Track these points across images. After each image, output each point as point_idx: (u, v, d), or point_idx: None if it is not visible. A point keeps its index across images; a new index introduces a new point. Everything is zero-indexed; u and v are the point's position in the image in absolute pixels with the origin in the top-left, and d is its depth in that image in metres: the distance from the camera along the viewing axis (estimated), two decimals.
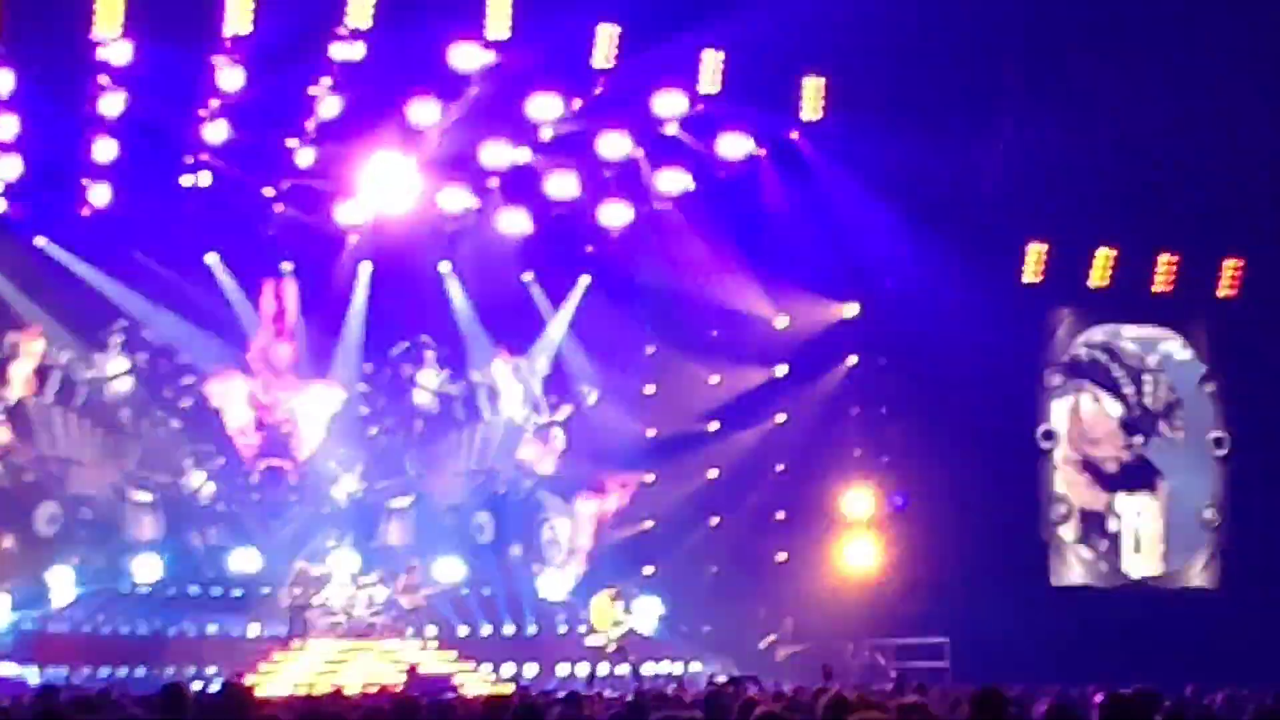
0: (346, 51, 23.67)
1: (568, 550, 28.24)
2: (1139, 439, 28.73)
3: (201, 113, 24.39)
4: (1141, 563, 28.73)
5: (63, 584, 25.15)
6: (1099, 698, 8.86)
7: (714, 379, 28.51)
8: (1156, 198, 26.37)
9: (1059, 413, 28.65)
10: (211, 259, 26.41)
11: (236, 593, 26.01)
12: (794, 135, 26.51)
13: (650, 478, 28.39)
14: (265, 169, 25.57)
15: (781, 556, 27.85)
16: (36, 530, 25.50)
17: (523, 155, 25.97)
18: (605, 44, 24.57)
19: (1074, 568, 28.51)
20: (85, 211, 25.08)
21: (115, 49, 22.95)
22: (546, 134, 25.73)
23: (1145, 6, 24.00)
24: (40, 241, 25.23)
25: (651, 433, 28.57)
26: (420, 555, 26.81)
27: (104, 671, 23.66)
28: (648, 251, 27.40)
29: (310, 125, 24.85)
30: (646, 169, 26.58)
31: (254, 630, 25.77)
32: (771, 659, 26.19)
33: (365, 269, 27.08)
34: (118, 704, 12.83)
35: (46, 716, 8.41)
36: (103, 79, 23.34)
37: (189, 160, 24.98)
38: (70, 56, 23.05)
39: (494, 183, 26.44)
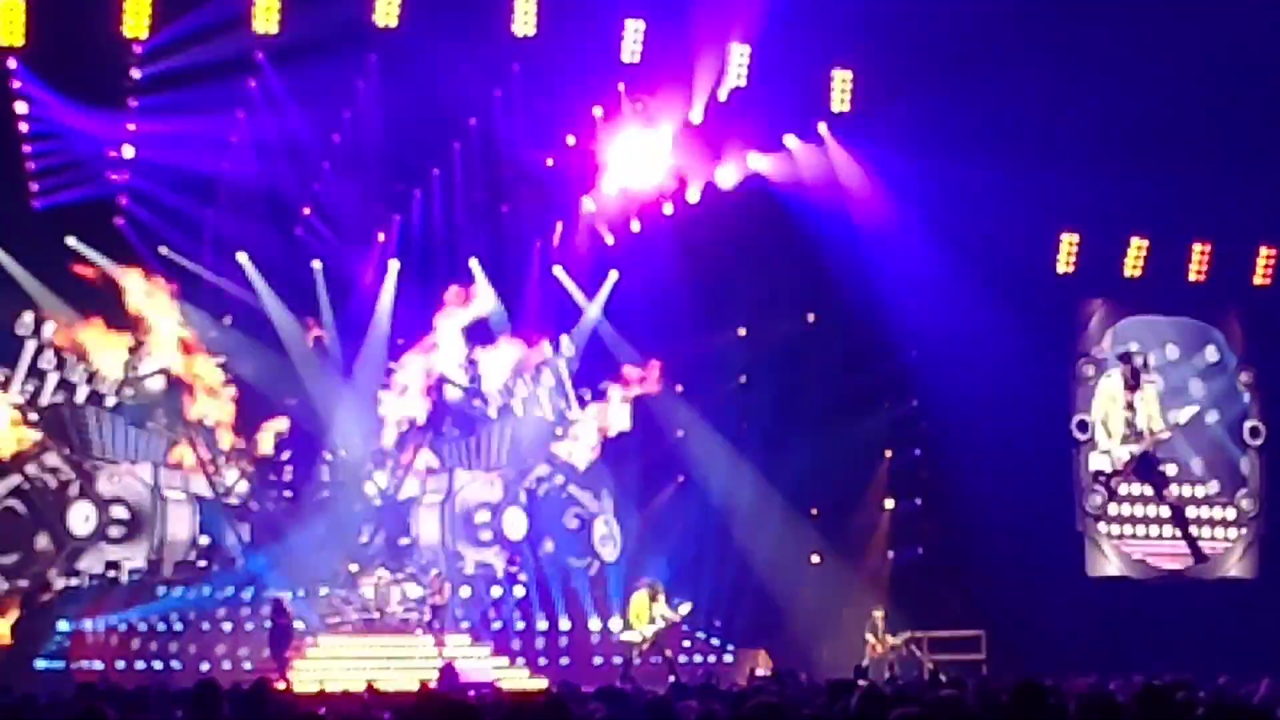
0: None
1: (610, 546, 28.19)
2: (1175, 427, 28.47)
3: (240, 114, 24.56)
4: (1177, 553, 28.53)
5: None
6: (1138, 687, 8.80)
7: (742, 379, 28.47)
8: (1190, 187, 26.20)
9: (1097, 400, 28.35)
10: (242, 257, 26.45)
11: (269, 591, 26.02)
12: (822, 128, 26.42)
13: (680, 477, 28.35)
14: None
15: (815, 559, 27.77)
16: (71, 530, 25.59)
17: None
18: (632, 38, 24.60)
19: (1110, 558, 28.34)
20: (118, 220, 25.25)
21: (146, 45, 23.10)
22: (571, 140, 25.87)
23: None
24: (71, 241, 25.29)
25: (680, 433, 28.47)
26: (450, 552, 26.90)
27: (139, 667, 23.72)
28: (677, 248, 27.37)
29: None
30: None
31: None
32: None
33: (394, 266, 27.09)
34: (154, 701, 12.87)
35: (87, 715, 8.41)
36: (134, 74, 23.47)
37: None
38: (102, 54, 23.15)
39: None
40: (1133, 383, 27.91)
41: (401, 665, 23.88)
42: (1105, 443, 28.10)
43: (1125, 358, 28.04)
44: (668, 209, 26.96)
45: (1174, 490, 28.34)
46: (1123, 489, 28.27)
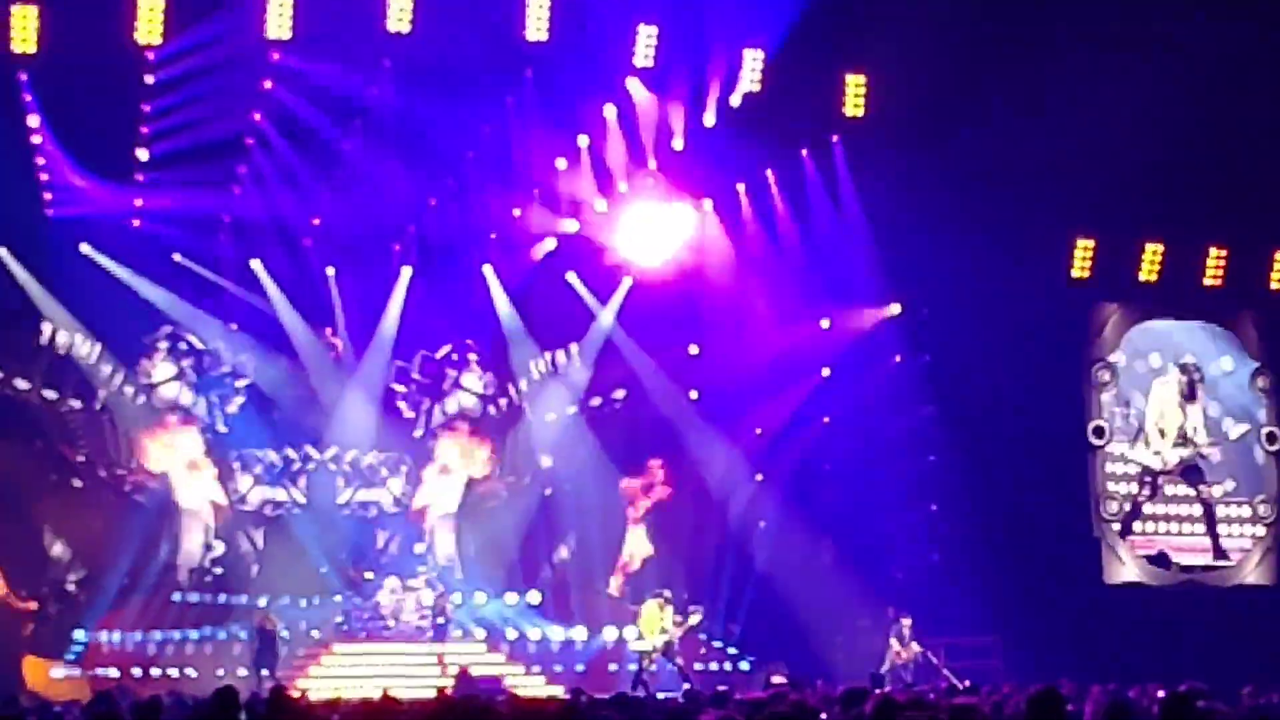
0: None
1: (620, 552, 28.16)
2: (1194, 434, 28.43)
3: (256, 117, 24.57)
4: (1195, 559, 28.44)
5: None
6: (1160, 694, 8.75)
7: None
8: (1206, 191, 26.10)
9: (1151, 402, 28.46)
10: (255, 264, 26.46)
11: (284, 599, 26.03)
12: (834, 138, 26.40)
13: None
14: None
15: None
16: (86, 537, 25.57)
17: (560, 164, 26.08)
18: (644, 43, 24.57)
19: (1127, 565, 28.25)
20: (136, 222, 25.28)
21: (159, 51, 23.13)
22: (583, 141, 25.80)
23: None
24: (86, 249, 25.34)
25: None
26: (463, 560, 26.96)
27: (155, 675, 23.74)
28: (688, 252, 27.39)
29: None
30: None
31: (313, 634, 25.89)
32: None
33: (406, 273, 27.09)
34: (170, 709, 12.86)
35: None
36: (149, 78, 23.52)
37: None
38: (115, 59, 23.18)
39: None
40: (1189, 394, 28.29)
41: (416, 673, 23.87)
42: (1158, 443, 28.30)
43: (1185, 369, 28.37)
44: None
45: (1204, 490, 28.48)
46: (1169, 489, 28.40)
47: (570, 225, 27.15)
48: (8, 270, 25.13)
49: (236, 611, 25.35)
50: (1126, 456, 28.45)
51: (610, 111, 25.76)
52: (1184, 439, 28.29)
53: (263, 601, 25.44)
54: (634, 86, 25.45)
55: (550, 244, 27.35)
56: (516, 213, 26.97)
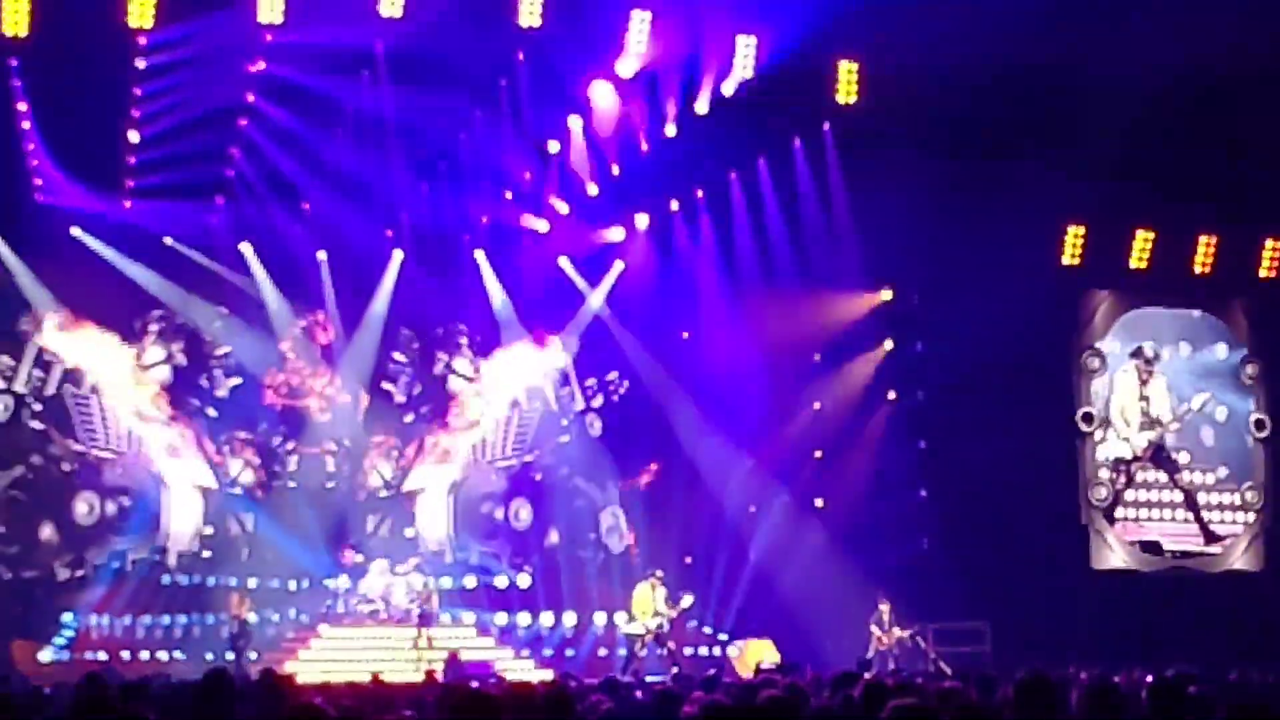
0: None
1: (615, 535, 28.18)
2: (1179, 418, 28.52)
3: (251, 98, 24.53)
4: (1183, 545, 28.53)
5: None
6: (1149, 679, 8.78)
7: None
8: (1196, 179, 26.13)
9: (1115, 393, 28.56)
10: (245, 248, 26.43)
11: (274, 582, 26.05)
12: (825, 126, 26.37)
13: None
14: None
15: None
16: (75, 521, 25.60)
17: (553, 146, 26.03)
18: (638, 29, 24.51)
19: (1115, 550, 28.34)
20: (127, 204, 25.22)
21: (151, 35, 23.04)
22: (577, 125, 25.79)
23: None
24: (76, 232, 25.29)
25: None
26: (454, 544, 27.00)
27: (144, 658, 23.75)
28: (679, 237, 27.38)
29: None
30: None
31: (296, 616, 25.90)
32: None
33: (397, 256, 27.07)
34: (159, 691, 12.87)
35: (93, 704, 8.40)
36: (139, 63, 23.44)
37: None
38: (105, 44, 23.10)
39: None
40: (1145, 375, 28.43)
41: (406, 657, 23.90)
42: (1124, 430, 28.50)
43: (1137, 353, 28.45)
44: None
45: (1186, 476, 28.60)
46: (1140, 475, 28.50)
47: (561, 207, 27.16)
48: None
49: (226, 595, 25.32)
50: (1105, 444, 28.60)
51: (603, 93, 25.67)
52: (1150, 421, 28.45)
53: (253, 583, 25.47)
54: (624, 69, 25.35)
55: (542, 226, 27.36)
56: (508, 195, 26.93)
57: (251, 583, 25.53)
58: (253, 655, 23.46)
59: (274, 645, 24.96)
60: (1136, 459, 28.45)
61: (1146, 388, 28.47)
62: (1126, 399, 28.55)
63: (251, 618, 24.26)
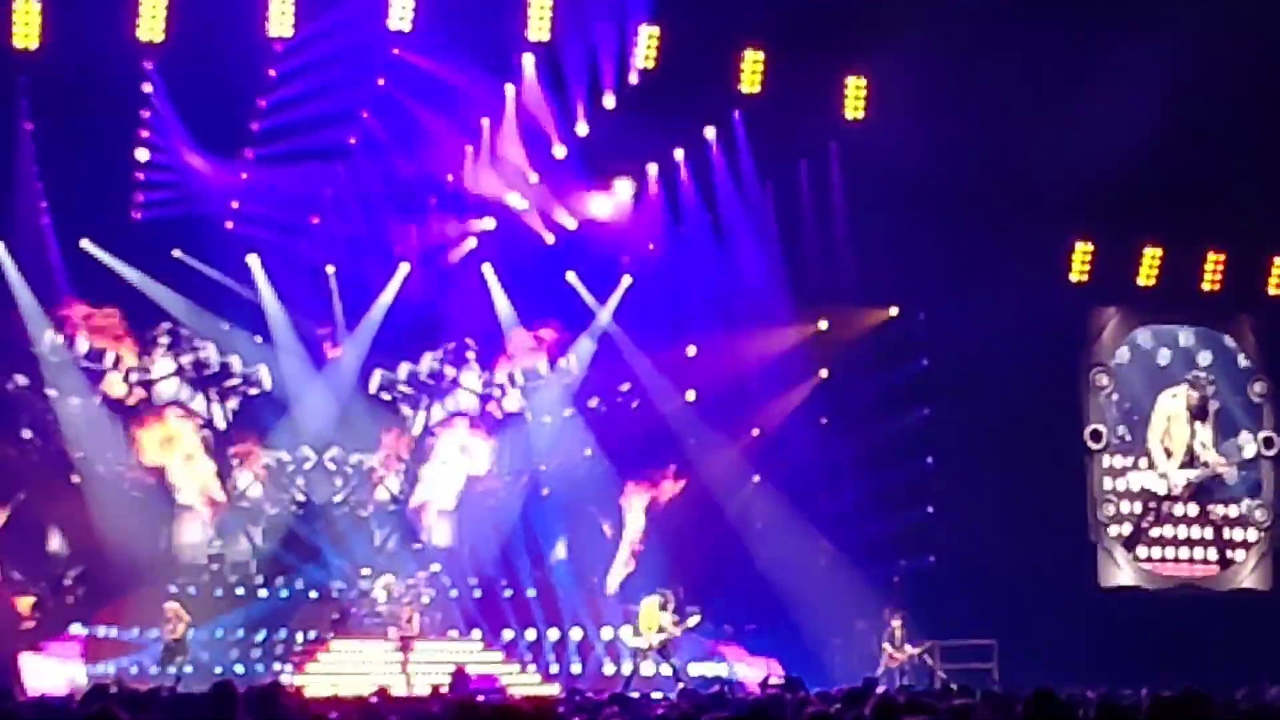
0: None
1: (616, 548, 28.17)
2: (1202, 451, 28.39)
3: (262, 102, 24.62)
4: (1192, 565, 28.44)
5: None
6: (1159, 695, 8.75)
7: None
8: (1204, 195, 26.10)
9: (1156, 416, 28.22)
10: (252, 260, 26.48)
11: (283, 594, 26.07)
12: (832, 145, 26.42)
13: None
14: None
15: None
16: (85, 531, 25.59)
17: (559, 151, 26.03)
18: (645, 44, 24.53)
19: (1123, 569, 28.27)
20: (136, 215, 25.30)
21: (159, 50, 23.15)
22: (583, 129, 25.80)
23: None
24: (86, 244, 25.36)
25: (693, 441, 28.41)
26: (461, 558, 26.99)
27: (152, 670, 23.75)
28: (683, 252, 27.39)
29: None
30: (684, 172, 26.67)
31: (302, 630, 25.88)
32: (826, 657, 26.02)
33: (403, 269, 27.11)
34: (166, 703, 12.88)
35: (100, 716, 8.41)
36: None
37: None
38: (116, 58, 23.18)
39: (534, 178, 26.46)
40: (1199, 413, 28.02)
41: (414, 669, 23.88)
42: (1163, 464, 28.11)
43: (1196, 383, 28.11)
44: None
45: (1219, 510, 28.31)
46: (1168, 509, 28.20)
47: (570, 223, 27.21)
48: (4, 268, 25.18)
49: (235, 606, 25.34)
50: (1127, 472, 28.26)
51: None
52: (1192, 458, 28.03)
53: (262, 594, 25.48)
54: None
55: (549, 238, 27.41)
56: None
57: (261, 594, 25.54)
58: (188, 669, 23.26)
59: (284, 658, 24.95)
60: (1172, 496, 28.06)
61: (1200, 423, 28.03)
62: (1175, 428, 28.10)
63: (189, 632, 23.96)
